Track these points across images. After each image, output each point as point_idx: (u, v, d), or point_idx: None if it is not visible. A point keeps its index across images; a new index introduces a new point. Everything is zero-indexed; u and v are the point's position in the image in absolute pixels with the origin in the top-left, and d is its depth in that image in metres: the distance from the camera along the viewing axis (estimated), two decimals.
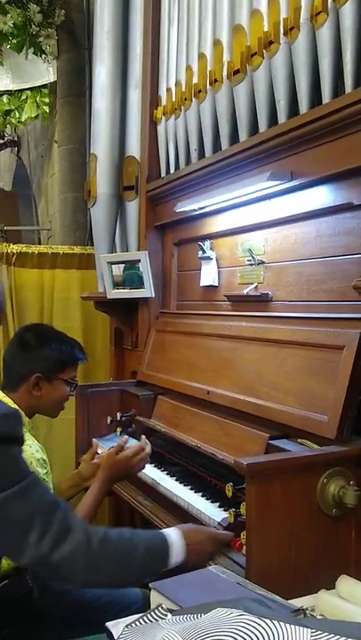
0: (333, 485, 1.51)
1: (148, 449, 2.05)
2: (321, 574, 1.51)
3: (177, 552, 1.49)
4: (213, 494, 1.89)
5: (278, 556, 1.47)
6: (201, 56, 2.50)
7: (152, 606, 1.09)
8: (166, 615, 0.98)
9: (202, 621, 0.89)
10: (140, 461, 2.02)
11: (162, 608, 0.99)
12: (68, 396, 2.09)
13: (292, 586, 1.46)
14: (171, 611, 0.99)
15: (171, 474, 2.14)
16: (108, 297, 3.06)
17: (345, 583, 1.37)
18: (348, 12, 1.73)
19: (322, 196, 1.93)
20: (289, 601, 1.31)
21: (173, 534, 1.52)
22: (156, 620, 0.97)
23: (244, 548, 1.57)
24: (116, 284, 3.01)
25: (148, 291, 2.87)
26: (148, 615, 1.00)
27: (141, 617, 1.01)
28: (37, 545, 1.30)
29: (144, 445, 2.05)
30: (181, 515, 1.88)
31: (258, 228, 2.27)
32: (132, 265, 2.93)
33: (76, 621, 1.83)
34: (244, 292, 2.29)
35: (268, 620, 0.87)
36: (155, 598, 1.09)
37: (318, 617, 1.09)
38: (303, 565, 1.50)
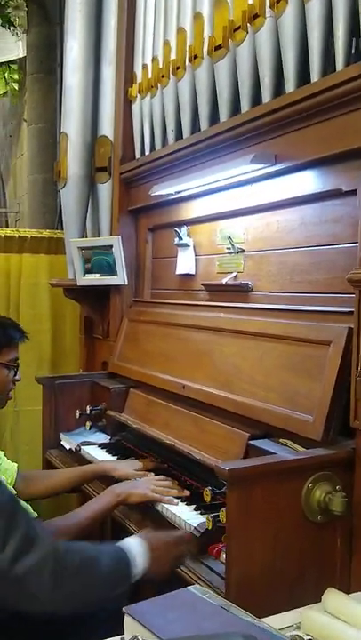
0: (319, 491, 1.43)
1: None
2: (305, 584, 1.43)
3: (140, 560, 1.39)
4: (189, 496, 1.79)
5: (260, 565, 1.38)
6: (180, 30, 2.36)
7: (126, 634, 0.98)
8: None
9: None
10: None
11: None
12: (13, 382, 1.93)
13: (275, 597, 1.38)
14: None
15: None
16: (79, 284, 2.92)
17: (332, 597, 1.27)
18: None
19: (308, 181, 1.82)
20: (273, 617, 1.23)
21: (133, 541, 1.43)
22: None
23: (223, 554, 1.48)
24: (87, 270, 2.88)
25: (120, 278, 2.74)
26: None
27: None
28: None
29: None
30: (156, 518, 1.77)
31: (238, 214, 2.15)
32: (101, 250, 2.80)
33: (55, 628, 1.72)
34: (223, 281, 2.19)
35: None
36: (129, 626, 0.97)
37: None
38: (287, 575, 1.41)
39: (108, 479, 2.04)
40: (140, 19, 2.73)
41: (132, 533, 1.76)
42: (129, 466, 2.04)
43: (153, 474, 1.98)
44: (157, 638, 0.89)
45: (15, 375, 1.93)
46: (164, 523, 1.72)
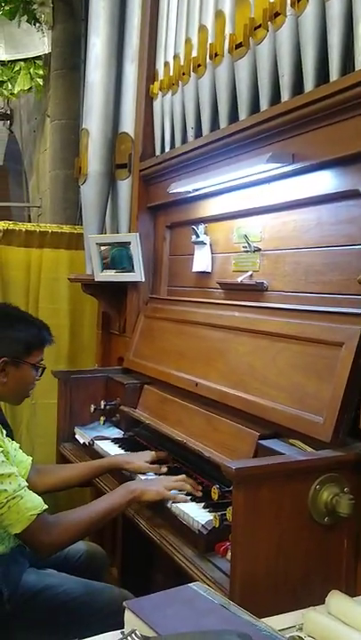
0: (327, 493, 1.42)
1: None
2: (310, 586, 1.42)
3: None
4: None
5: (265, 566, 1.38)
6: (202, 28, 2.35)
7: (126, 628, 0.99)
8: None
9: None
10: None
11: (135, 635, 0.89)
12: (34, 382, 1.96)
13: (279, 598, 1.38)
14: (146, 638, 0.89)
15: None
16: (97, 279, 2.94)
17: (336, 599, 1.27)
18: None
19: (325, 181, 1.81)
20: (276, 617, 1.23)
21: None
22: None
23: (229, 553, 1.48)
24: (105, 266, 2.89)
25: (138, 274, 2.75)
26: None
27: None
28: None
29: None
30: (164, 513, 1.77)
31: (255, 213, 2.14)
32: (119, 246, 2.81)
33: (52, 625, 1.74)
34: (239, 279, 2.18)
35: None
36: (129, 619, 0.98)
37: None
38: (291, 576, 1.41)
39: (120, 474, 2.06)
40: (162, 16, 2.73)
41: (142, 530, 1.78)
42: (141, 458, 2.05)
43: (165, 468, 1.99)
44: (155, 633, 0.90)
45: (39, 375, 1.97)
46: (171, 518, 1.72)
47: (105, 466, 2.09)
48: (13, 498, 1.61)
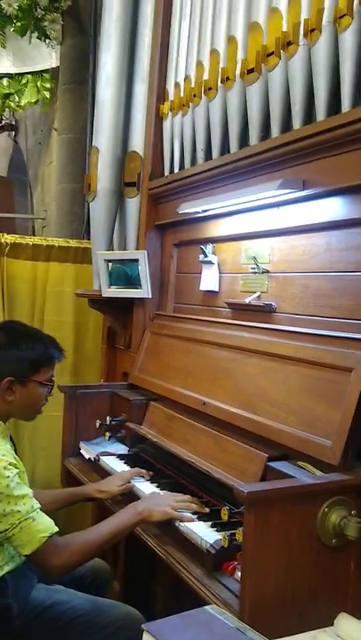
0: (335, 515, 1.44)
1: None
2: (317, 607, 1.45)
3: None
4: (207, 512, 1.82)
5: (274, 587, 1.40)
6: (213, 52, 2.40)
7: None
8: None
9: None
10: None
11: None
12: (46, 399, 1.96)
13: (287, 619, 1.41)
14: None
15: (161, 486, 2.05)
16: (103, 295, 2.97)
17: (345, 622, 1.30)
18: None
19: (334, 208, 1.85)
20: (287, 638, 1.25)
21: None
22: None
23: (237, 572, 1.51)
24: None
25: (145, 291, 2.78)
26: None
27: None
28: None
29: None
30: (171, 531, 1.80)
31: (264, 235, 2.18)
32: (125, 263, 2.85)
33: None
34: (247, 300, 2.21)
35: None
36: None
37: None
38: (299, 597, 1.43)
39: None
40: (173, 38, 2.77)
41: (149, 547, 1.81)
42: (112, 483, 2.08)
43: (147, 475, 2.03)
44: None
45: (49, 393, 1.96)
46: (177, 537, 1.75)
47: (78, 494, 2.14)
48: (26, 519, 1.63)
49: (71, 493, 2.15)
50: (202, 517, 1.79)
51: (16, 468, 1.71)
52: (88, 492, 2.11)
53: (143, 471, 2.13)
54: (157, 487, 2.05)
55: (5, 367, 1.84)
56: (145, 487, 2.05)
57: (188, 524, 1.74)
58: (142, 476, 2.12)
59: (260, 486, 1.50)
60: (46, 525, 1.66)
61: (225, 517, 1.64)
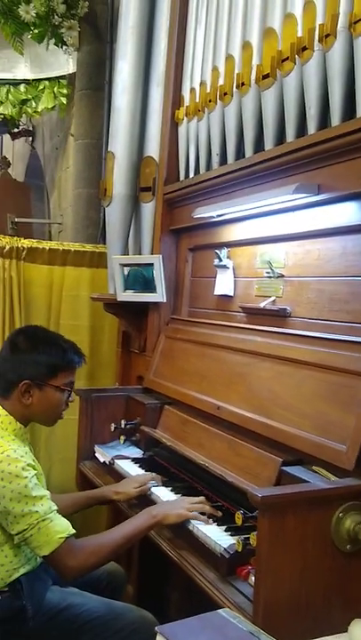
0: (349, 520, 1.44)
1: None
2: (330, 613, 1.45)
3: None
4: (220, 516, 1.82)
5: (288, 592, 1.40)
6: (229, 57, 2.41)
7: None
8: None
9: None
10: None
11: None
12: (66, 404, 1.96)
13: (300, 624, 1.41)
14: None
15: (175, 490, 2.06)
16: (119, 299, 2.99)
17: (359, 628, 1.30)
18: None
19: (350, 212, 1.85)
20: None
21: None
22: None
23: (251, 576, 1.51)
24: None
25: (160, 295, 2.79)
26: None
27: None
28: None
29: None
30: (185, 534, 1.80)
31: (279, 239, 2.18)
32: (140, 267, 2.86)
33: None
34: (261, 304, 2.21)
35: None
36: None
37: None
38: (313, 602, 1.43)
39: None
40: (189, 44, 2.78)
41: (163, 551, 1.81)
42: (128, 485, 2.08)
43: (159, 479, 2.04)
44: None
45: (68, 398, 1.97)
46: (192, 541, 1.75)
47: (96, 496, 2.15)
48: (43, 520, 1.64)
49: (89, 496, 2.17)
50: (216, 520, 1.79)
51: (34, 469, 1.72)
52: (105, 493, 2.12)
53: (158, 476, 2.14)
54: (171, 491, 2.06)
55: (23, 370, 1.86)
56: (160, 491, 2.06)
57: (202, 527, 1.74)
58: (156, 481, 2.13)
59: (274, 491, 1.50)
60: (63, 527, 1.68)
61: (239, 522, 1.64)
